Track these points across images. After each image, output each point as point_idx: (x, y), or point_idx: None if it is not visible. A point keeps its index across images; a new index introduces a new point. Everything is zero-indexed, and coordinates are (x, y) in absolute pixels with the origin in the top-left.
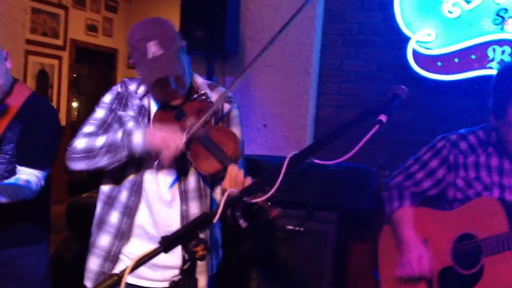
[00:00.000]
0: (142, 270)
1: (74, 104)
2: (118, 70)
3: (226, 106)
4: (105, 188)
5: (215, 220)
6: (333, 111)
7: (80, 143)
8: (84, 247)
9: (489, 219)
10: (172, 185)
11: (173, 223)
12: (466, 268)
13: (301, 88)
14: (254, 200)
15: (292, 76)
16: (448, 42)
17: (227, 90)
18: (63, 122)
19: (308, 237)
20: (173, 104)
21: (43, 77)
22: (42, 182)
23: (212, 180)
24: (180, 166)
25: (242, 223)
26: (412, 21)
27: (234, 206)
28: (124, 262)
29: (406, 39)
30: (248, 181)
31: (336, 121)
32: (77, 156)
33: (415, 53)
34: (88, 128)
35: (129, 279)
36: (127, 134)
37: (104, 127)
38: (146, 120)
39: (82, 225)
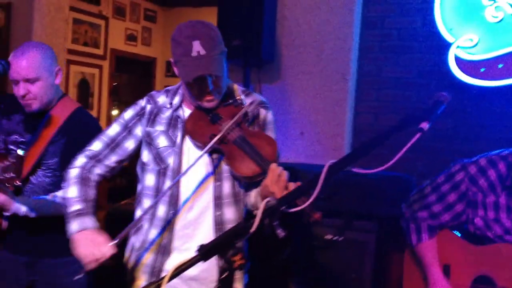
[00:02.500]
0: (177, 284)
1: (114, 112)
2: (156, 79)
3: (262, 112)
4: (145, 203)
5: (253, 229)
6: (371, 119)
7: (72, 168)
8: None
9: (510, 268)
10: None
11: (207, 231)
12: None
13: (339, 95)
14: (292, 210)
15: (329, 83)
16: (492, 47)
17: (260, 97)
18: None
19: (347, 247)
20: (207, 107)
21: (84, 86)
22: None
23: (247, 185)
24: (214, 171)
25: (280, 232)
26: (454, 26)
27: (272, 216)
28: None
29: (447, 45)
30: (292, 185)
31: (374, 128)
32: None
33: (457, 59)
34: (95, 145)
35: None
36: (71, 219)
37: (111, 146)
38: (178, 133)
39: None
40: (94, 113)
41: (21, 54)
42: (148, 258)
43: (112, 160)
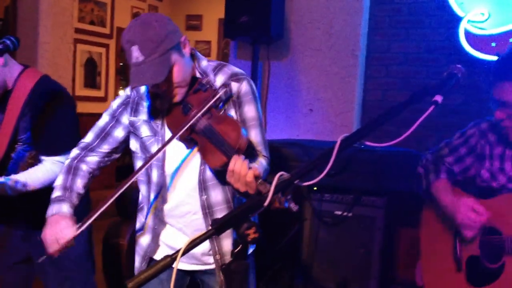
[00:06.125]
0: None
1: (122, 92)
2: None
3: (234, 85)
4: (141, 188)
5: (266, 203)
6: (380, 95)
7: (67, 160)
8: (132, 231)
9: None
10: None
11: (196, 214)
12: (490, 261)
13: (348, 72)
14: (305, 183)
15: (338, 59)
16: (503, 22)
17: (233, 70)
18: None
19: (356, 222)
20: (175, 101)
21: (91, 65)
22: None
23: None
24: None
25: (293, 206)
26: (464, 0)
27: (285, 190)
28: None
29: (457, 19)
30: (254, 171)
31: (384, 105)
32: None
33: (467, 33)
34: (87, 137)
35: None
36: (50, 204)
37: (101, 136)
38: (159, 122)
39: (129, 210)
40: (101, 92)
41: None
42: (142, 240)
43: (104, 148)
